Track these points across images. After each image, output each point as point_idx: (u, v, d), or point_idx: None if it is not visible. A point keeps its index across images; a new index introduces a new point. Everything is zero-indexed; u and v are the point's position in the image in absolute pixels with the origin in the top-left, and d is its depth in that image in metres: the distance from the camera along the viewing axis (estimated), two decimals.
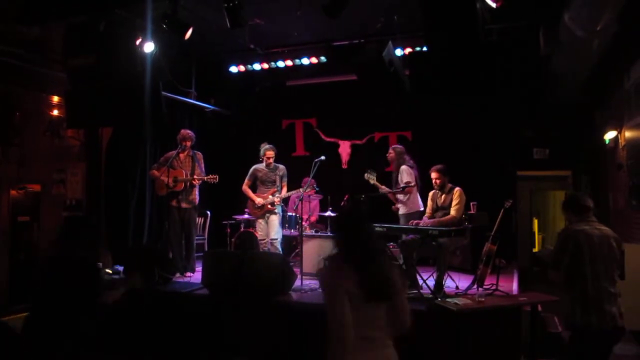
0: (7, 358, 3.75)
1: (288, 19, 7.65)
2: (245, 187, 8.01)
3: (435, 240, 6.36)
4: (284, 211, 8.25)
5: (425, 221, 6.77)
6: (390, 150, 7.84)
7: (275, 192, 7.88)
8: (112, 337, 5.10)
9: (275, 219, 7.86)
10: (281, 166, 8.06)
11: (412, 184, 7.45)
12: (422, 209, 7.43)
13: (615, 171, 7.75)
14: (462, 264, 7.67)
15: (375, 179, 7.71)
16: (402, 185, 7.47)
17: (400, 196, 7.58)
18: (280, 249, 7.83)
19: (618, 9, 5.34)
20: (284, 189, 7.99)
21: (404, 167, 7.55)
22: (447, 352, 5.20)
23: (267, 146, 7.97)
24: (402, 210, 7.59)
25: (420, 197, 7.61)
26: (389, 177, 8.04)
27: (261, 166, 8.01)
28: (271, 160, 7.92)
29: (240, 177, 8.25)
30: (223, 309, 6.07)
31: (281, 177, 8.01)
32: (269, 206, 7.84)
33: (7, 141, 8.18)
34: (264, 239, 7.87)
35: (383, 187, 7.69)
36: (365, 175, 7.77)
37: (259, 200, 7.83)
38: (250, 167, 8.10)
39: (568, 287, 4.22)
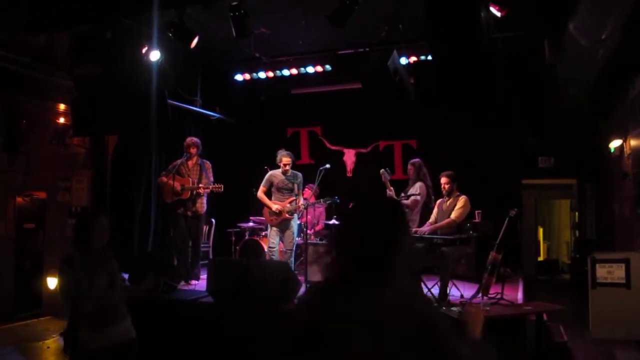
0: None
1: (293, 28, 7.69)
2: (260, 194, 7.83)
3: (439, 248, 6.36)
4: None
5: (423, 229, 6.76)
6: (409, 166, 7.71)
7: (293, 200, 7.78)
8: None
9: (292, 229, 7.78)
10: (299, 173, 7.96)
11: (417, 194, 7.42)
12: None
13: (621, 180, 7.74)
14: (467, 272, 7.64)
15: (389, 178, 7.62)
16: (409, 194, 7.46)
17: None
18: (292, 259, 7.77)
19: (623, 19, 5.35)
20: (301, 198, 7.93)
21: (420, 184, 7.47)
22: None
23: (284, 152, 7.85)
24: None
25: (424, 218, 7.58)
26: (396, 185, 8.00)
27: (278, 172, 7.86)
28: (288, 167, 7.80)
29: (245, 185, 8.26)
30: (227, 317, 6.06)
31: (299, 185, 7.93)
32: (287, 215, 7.73)
33: (13, 149, 8.24)
34: (274, 247, 7.74)
35: (391, 189, 7.63)
36: (382, 170, 7.67)
37: (276, 207, 7.67)
38: (255, 175, 8.08)
39: None
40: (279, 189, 7.80)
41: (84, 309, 3.70)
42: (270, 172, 7.95)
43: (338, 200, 8.14)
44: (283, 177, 7.81)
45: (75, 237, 3.89)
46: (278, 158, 7.81)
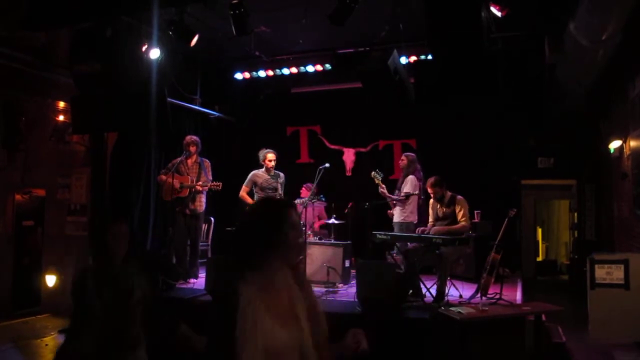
0: None
1: (293, 26, 7.67)
2: (243, 194, 7.87)
3: (438, 249, 6.35)
4: None
5: (436, 229, 6.73)
6: (403, 157, 7.74)
7: None
8: None
9: None
10: (281, 173, 8.00)
11: (415, 193, 7.44)
12: (416, 222, 7.47)
13: (620, 180, 7.73)
14: (466, 272, 7.65)
15: (380, 179, 7.67)
16: (403, 194, 7.47)
17: (399, 204, 7.57)
18: None
19: (623, 19, 5.34)
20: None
21: (411, 177, 7.52)
22: None
23: (268, 150, 7.89)
24: (396, 217, 7.57)
25: (422, 208, 7.60)
26: (392, 184, 8.02)
27: (260, 172, 7.90)
28: (273, 164, 7.83)
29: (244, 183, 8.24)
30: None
31: (282, 184, 7.94)
32: None
33: (12, 146, 8.22)
34: None
35: (384, 187, 7.65)
36: (373, 173, 7.72)
37: None
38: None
39: None
40: (262, 189, 7.81)
41: (90, 328, 3.27)
42: (253, 172, 7.96)
43: (324, 199, 8.19)
44: (267, 176, 7.85)
45: (95, 248, 3.57)
46: (262, 156, 7.83)
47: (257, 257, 2.08)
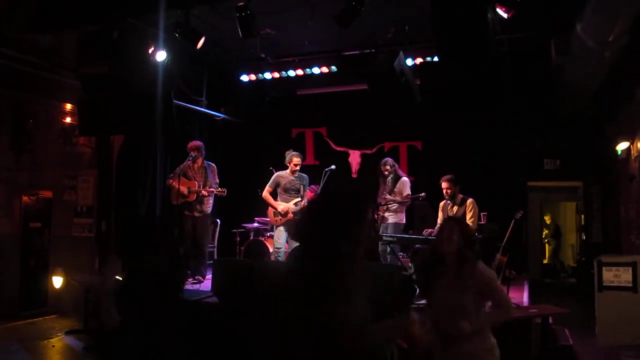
0: None
1: (299, 28, 7.67)
2: (266, 194, 7.79)
3: None
4: None
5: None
6: (387, 166, 7.85)
7: (298, 201, 7.68)
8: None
9: None
10: (305, 175, 7.96)
11: (421, 195, 7.48)
12: (405, 223, 7.67)
13: (627, 182, 7.70)
14: None
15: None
16: (404, 196, 7.57)
17: (395, 206, 7.61)
18: None
19: (630, 20, 5.32)
20: (306, 199, 7.89)
21: (404, 179, 7.61)
22: None
23: (295, 153, 7.86)
24: (391, 219, 7.65)
25: (431, 207, 7.65)
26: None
27: (285, 173, 7.84)
28: (298, 167, 7.79)
29: (249, 185, 8.24)
30: (232, 317, 6.06)
31: (304, 187, 7.90)
32: (292, 215, 7.59)
33: (19, 148, 8.26)
34: (280, 248, 7.65)
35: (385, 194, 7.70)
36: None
37: (282, 208, 7.64)
38: (260, 176, 8.07)
39: None
40: (286, 190, 7.75)
41: None
42: (277, 173, 7.91)
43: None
44: (292, 177, 7.78)
45: None
46: (288, 158, 7.77)
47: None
